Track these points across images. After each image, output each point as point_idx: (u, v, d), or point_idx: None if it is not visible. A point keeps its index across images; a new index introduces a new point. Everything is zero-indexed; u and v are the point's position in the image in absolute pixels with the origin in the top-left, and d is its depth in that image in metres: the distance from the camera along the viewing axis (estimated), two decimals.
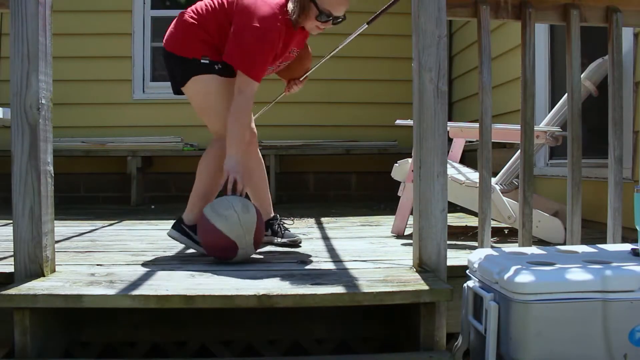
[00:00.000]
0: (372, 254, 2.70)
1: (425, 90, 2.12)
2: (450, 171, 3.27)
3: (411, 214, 3.12)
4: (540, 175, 3.95)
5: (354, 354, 2.37)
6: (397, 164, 3.38)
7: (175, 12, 2.85)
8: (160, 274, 2.22)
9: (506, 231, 3.20)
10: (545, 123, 3.30)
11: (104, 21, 5.77)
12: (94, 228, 3.68)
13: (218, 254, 2.46)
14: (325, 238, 3.24)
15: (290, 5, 2.59)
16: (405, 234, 3.28)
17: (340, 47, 3.14)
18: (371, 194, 5.87)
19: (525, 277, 1.58)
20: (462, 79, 5.69)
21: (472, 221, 3.66)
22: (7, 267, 2.18)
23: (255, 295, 1.86)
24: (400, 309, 2.08)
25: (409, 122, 2.47)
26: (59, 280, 2.04)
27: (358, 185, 6.05)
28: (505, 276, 1.61)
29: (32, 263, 2.05)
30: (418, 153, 2.14)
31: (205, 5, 2.67)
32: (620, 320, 1.55)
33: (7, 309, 1.89)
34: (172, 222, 2.76)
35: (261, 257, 2.59)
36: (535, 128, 2.52)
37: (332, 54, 3.14)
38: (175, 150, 5.65)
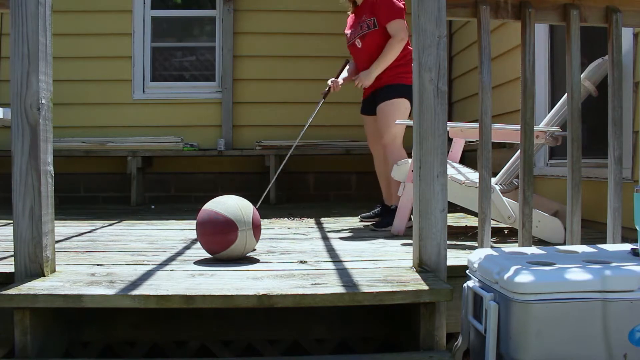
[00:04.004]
0: (372, 254, 2.70)
1: (425, 90, 2.12)
2: (450, 171, 3.27)
3: (411, 214, 3.12)
4: (540, 175, 3.95)
5: (354, 354, 2.37)
6: (397, 164, 3.38)
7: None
8: (160, 274, 2.22)
9: (506, 231, 3.20)
10: (545, 123, 3.29)
11: (104, 21, 5.77)
12: (94, 228, 3.68)
13: (217, 239, 2.44)
14: (325, 238, 3.24)
15: None
16: (405, 234, 3.28)
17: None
18: (371, 194, 5.86)
19: (525, 277, 1.58)
20: (462, 79, 5.69)
21: (472, 221, 3.67)
22: (8, 267, 2.18)
23: (255, 295, 1.86)
24: (400, 308, 2.08)
25: (409, 122, 2.47)
26: (59, 280, 2.04)
27: (358, 185, 6.05)
28: (505, 276, 1.61)
29: (32, 263, 2.06)
30: (418, 153, 2.14)
31: None
32: (620, 320, 1.55)
33: (8, 309, 1.89)
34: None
35: (261, 257, 2.59)
36: (535, 128, 2.52)
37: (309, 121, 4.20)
38: (175, 150, 5.65)
